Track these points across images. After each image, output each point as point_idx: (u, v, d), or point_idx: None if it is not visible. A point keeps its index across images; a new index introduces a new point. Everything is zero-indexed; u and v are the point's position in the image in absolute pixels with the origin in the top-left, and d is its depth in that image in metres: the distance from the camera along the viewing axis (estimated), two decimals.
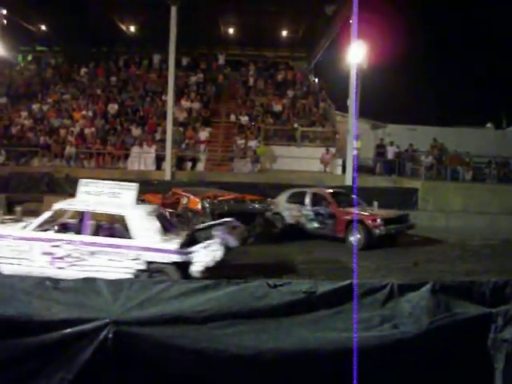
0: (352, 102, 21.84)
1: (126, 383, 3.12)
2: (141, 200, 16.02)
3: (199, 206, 13.53)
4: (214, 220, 12.77)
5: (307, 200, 15.11)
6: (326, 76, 30.79)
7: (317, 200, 15.06)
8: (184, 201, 14.27)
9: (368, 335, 3.28)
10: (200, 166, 23.32)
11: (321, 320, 3.31)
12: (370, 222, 13.50)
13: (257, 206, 14.32)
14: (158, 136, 23.99)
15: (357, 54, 19.60)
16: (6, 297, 3.18)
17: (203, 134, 24.37)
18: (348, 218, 13.89)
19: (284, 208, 15.36)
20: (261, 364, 3.09)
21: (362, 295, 3.45)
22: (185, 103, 26.18)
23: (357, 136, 22.35)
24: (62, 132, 24.71)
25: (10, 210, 18.45)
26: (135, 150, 23.35)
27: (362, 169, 24.47)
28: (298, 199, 15.35)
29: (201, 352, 3.06)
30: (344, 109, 25.39)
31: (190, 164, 23.25)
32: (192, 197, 14.05)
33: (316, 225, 14.72)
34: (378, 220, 13.47)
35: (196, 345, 3.06)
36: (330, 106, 26.96)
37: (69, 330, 3.03)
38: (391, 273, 11.00)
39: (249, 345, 3.09)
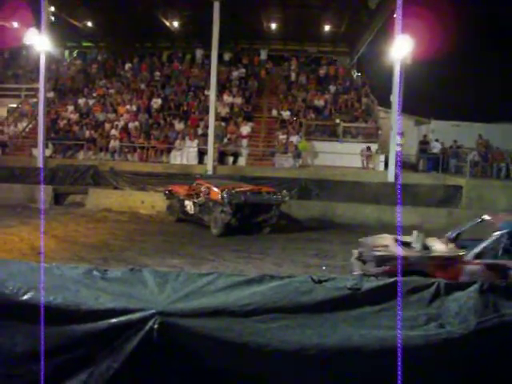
0: (395, 98, 21.54)
1: (170, 374, 3.15)
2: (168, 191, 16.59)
3: (219, 197, 14.46)
4: (232, 209, 14.19)
5: None
6: (368, 71, 30.45)
7: None
8: (206, 191, 15.25)
9: (413, 334, 3.22)
10: (241, 161, 23.39)
11: (366, 317, 3.27)
12: None
13: (272, 197, 15.09)
14: (200, 130, 24.17)
15: (401, 49, 19.25)
16: (56, 285, 3.26)
17: (245, 129, 24.42)
18: None
19: None
20: (304, 359, 3.08)
21: (407, 293, 3.39)
22: (227, 98, 26.29)
23: (400, 132, 22.02)
24: (107, 126, 25.18)
25: (56, 201, 18.99)
26: (178, 144, 23.61)
27: (404, 165, 24.14)
28: None
29: (245, 345, 3.07)
30: (387, 104, 25.04)
31: (231, 159, 23.34)
32: (213, 188, 15.02)
33: None
34: None
35: (240, 338, 3.07)
36: (373, 101, 26.64)
37: (115, 320, 3.09)
38: None
39: (293, 340, 3.08)
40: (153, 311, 3.06)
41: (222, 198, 14.33)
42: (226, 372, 3.14)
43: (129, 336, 3.07)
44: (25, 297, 3.24)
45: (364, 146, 23.12)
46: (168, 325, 3.05)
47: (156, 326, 3.04)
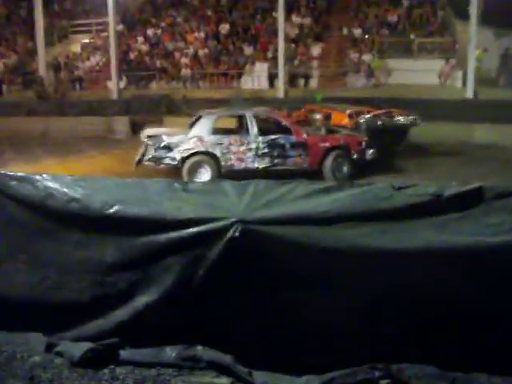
0: (474, 8, 20.25)
1: (251, 279, 3.26)
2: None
3: (345, 122, 12.67)
4: (368, 136, 11.64)
5: None
6: None
7: None
8: (318, 117, 13.30)
9: (496, 240, 3.16)
10: (313, 83, 23.00)
11: (447, 223, 3.22)
12: None
13: (407, 120, 13.06)
14: (269, 54, 23.83)
15: None
16: (141, 198, 3.41)
17: (315, 50, 23.92)
18: None
19: None
20: (384, 263, 3.11)
21: (490, 200, 3.30)
22: (295, 19, 25.60)
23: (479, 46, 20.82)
24: (177, 55, 25.26)
25: (134, 131, 19.49)
26: (248, 68, 23.47)
27: (484, 81, 22.90)
28: None
29: (324, 251, 3.12)
30: (465, 16, 23.56)
31: (302, 81, 23.00)
32: (338, 112, 13.16)
33: None
34: None
35: (319, 244, 3.12)
36: (450, 13, 25.17)
37: (198, 229, 3.20)
38: None
39: (372, 244, 3.10)
40: (234, 219, 3.15)
41: (357, 124, 12.12)
42: (305, 276, 3.21)
43: (212, 243, 3.19)
44: (111, 210, 3.41)
45: (443, 61, 22.07)
46: (249, 232, 3.13)
47: (237, 234, 3.13)
